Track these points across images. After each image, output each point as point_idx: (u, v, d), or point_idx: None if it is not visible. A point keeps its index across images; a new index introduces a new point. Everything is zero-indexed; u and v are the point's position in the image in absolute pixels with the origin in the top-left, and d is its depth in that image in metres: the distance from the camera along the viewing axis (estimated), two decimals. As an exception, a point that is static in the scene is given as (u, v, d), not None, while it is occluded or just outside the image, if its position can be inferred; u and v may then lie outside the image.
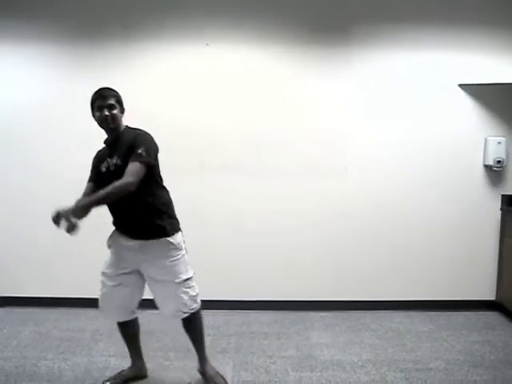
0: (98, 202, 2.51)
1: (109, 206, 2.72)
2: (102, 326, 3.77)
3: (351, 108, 4.09)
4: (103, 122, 2.70)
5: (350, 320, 4.02)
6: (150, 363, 3.16)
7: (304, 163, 4.11)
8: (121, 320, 2.92)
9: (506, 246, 4.10)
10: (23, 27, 3.98)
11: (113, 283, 2.79)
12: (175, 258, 2.74)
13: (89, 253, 4.09)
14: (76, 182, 4.02)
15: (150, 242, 2.70)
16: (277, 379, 3.06)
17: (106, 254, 4.03)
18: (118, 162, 2.66)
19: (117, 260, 2.80)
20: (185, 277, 2.76)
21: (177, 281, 2.73)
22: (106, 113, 2.67)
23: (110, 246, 2.85)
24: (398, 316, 4.09)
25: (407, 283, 4.22)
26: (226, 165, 3.97)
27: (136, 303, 2.89)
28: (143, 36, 3.98)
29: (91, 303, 4.04)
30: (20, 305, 4.11)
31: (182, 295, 2.75)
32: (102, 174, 2.74)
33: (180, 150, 3.88)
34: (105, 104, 2.67)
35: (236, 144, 3.93)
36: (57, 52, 4.00)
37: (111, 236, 2.84)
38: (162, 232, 2.72)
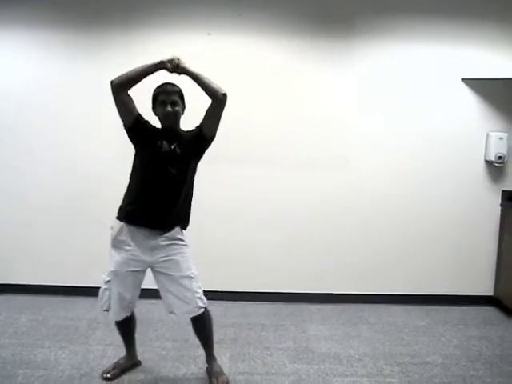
0: (197, 75, 2.65)
1: (150, 189, 2.68)
2: (100, 315, 3.74)
3: (353, 101, 4.06)
4: (165, 118, 2.71)
5: (347, 313, 4.02)
6: (147, 353, 3.17)
7: (305, 155, 4.09)
8: (123, 318, 2.85)
9: (505, 242, 4.10)
10: (22, 13, 3.93)
11: (122, 282, 2.74)
12: (186, 254, 2.78)
13: (86, 241, 4.11)
14: (73, 170, 4.05)
15: (166, 234, 2.72)
16: (274, 371, 3.05)
17: (103, 242, 4.05)
18: (177, 149, 2.70)
19: (129, 258, 2.72)
20: (196, 272, 2.79)
21: (191, 275, 2.75)
22: (169, 109, 2.68)
23: (118, 242, 2.75)
24: (396, 310, 4.09)
25: (406, 277, 4.22)
26: (224, 156, 3.94)
27: (137, 299, 2.86)
28: (144, 24, 3.94)
29: (88, 291, 4.05)
30: (17, 292, 4.10)
31: (198, 289, 2.76)
32: (157, 148, 2.69)
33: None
34: (168, 100, 2.67)
35: (235, 135, 3.89)
36: (56, 38, 3.96)
37: (120, 232, 2.74)
38: (183, 225, 2.80)
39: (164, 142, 2.69)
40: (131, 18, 3.94)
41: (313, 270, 4.19)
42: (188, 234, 2.84)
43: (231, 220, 4.11)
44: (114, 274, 2.74)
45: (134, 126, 2.70)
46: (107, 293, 2.77)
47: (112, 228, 2.79)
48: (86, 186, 4.07)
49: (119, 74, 2.60)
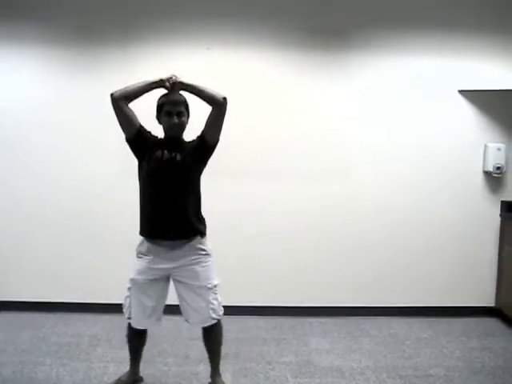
0: (195, 87, 2.69)
1: (157, 200, 2.69)
2: (100, 332, 3.75)
3: (351, 113, 4.08)
4: (171, 129, 2.72)
5: (348, 326, 4.00)
6: (149, 369, 3.15)
7: (303, 167, 4.11)
8: (147, 327, 2.89)
9: (505, 252, 4.10)
10: (22, 30, 3.97)
11: (140, 290, 2.76)
12: (206, 264, 2.79)
13: (87, 257, 4.11)
14: (72, 186, 4.06)
15: (186, 243, 2.73)
16: (276, 385, 3.05)
17: (105, 260, 4.06)
18: (178, 156, 2.70)
19: (148, 267, 2.74)
20: (215, 282, 2.82)
21: (209, 286, 2.77)
22: (176, 120, 2.69)
23: (140, 253, 2.78)
24: (397, 322, 4.08)
25: (406, 289, 4.21)
26: (225, 169, 3.95)
27: (162, 309, 2.87)
28: (143, 40, 3.98)
29: (89, 308, 4.08)
30: (17, 309, 4.07)
31: (213, 301, 2.80)
32: (158, 158, 2.70)
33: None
34: (174, 111, 2.69)
35: (235, 148, 3.90)
36: (55, 55, 4.00)
37: (142, 244, 2.78)
38: (200, 232, 2.79)
39: (165, 152, 2.70)
40: (130, 34, 3.97)
41: (313, 282, 4.18)
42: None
43: (230, 234, 4.10)
44: (134, 281, 2.76)
45: (136, 138, 2.71)
46: (128, 300, 2.80)
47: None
48: (85, 202, 4.08)
49: (120, 88, 2.63)
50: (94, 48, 4.01)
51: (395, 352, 3.55)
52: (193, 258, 2.76)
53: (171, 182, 2.68)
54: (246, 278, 4.12)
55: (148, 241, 2.75)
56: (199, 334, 3.59)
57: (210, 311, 2.78)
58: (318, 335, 3.83)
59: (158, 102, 2.74)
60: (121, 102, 2.63)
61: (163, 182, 2.68)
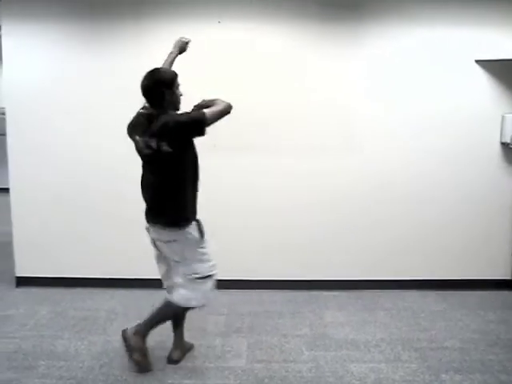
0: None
1: (195, 186, 2.80)
2: (117, 306, 3.80)
3: (365, 85, 4.01)
4: (180, 102, 2.73)
5: (363, 299, 4.01)
6: (165, 343, 3.17)
7: (314, 141, 4.05)
8: None
9: (522, 225, 4.06)
10: (36, 5, 3.92)
11: None
12: None
13: (104, 233, 4.13)
14: (84, 161, 4.07)
15: None
16: (291, 358, 3.07)
17: (122, 236, 4.07)
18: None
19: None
20: None
21: None
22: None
23: (206, 241, 2.80)
24: (412, 295, 4.07)
25: (421, 262, 4.20)
26: (234, 143, 3.93)
27: None
28: (154, 13, 3.91)
29: (106, 283, 4.11)
30: (36, 285, 4.13)
31: None
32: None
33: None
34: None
35: (244, 122, 3.83)
36: (69, 29, 3.96)
37: (200, 230, 2.78)
38: None
39: None
40: (143, 7, 3.92)
41: (327, 256, 4.17)
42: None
43: (247, 208, 4.10)
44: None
45: None
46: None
47: (191, 234, 2.74)
48: (101, 178, 4.09)
49: (210, 115, 2.62)
50: (108, 22, 3.95)
51: (410, 325, 3.55)
52: None
53: None
54: (261, 252, 4.13)
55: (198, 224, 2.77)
56: (215, 307, 3.64)
57: None
58: (333, 308, 3.85)
59: (171, 76, 2.66)
60: None
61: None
